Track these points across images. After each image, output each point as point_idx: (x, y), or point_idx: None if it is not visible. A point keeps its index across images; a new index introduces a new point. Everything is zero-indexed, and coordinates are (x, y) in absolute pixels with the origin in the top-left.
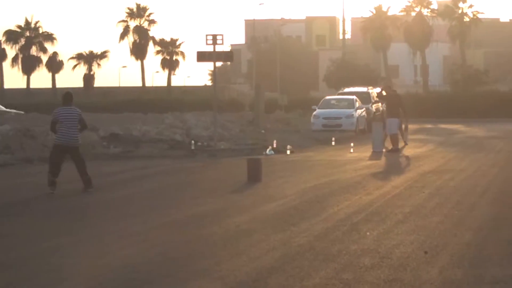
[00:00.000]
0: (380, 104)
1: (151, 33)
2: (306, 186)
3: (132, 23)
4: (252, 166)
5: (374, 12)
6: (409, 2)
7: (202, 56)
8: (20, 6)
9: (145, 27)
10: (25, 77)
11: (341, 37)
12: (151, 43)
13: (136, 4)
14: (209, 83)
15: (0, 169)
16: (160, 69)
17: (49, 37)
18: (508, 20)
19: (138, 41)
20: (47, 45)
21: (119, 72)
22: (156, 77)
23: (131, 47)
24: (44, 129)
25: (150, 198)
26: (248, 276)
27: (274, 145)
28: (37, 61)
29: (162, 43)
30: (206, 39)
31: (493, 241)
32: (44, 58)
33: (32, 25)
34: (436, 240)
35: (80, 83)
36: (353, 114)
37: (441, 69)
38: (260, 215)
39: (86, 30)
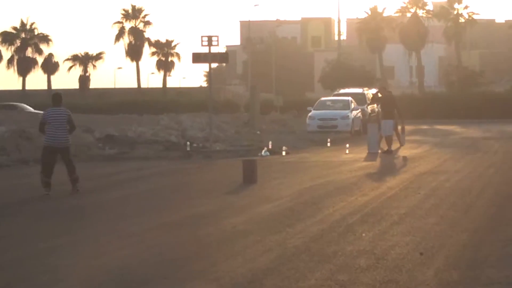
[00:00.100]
0: (375, 105)
1: (146, 35)
2: (302, 187)
3: (128, 25)
4: (247, 167)
5: (370, 13)
6: (404, 3)
7: (198, 57)
8: (15, 7)
9: (140, 29)
10: (21, 78)
11: (336, 38)
12: (146, 44)
13: (132, 5)
14: (205, 84)
15: None
16: (156, 70)
17: (45, 39)
18: (504, 21)
19: (133, 42)
20: (43, 46)
21: (114, 73)
22: (152, 78)
23: (126, 48)
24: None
25: (146, 199)
26: (243, 277)
27: (270, 146)
28: (32, 62)
29: (157, 44)
30: (202, 41)
31: (489, 243)
32: (40, 59)
33: (28, 27)
34: (432, 241)
35: (75, 85)
36: (348, 115)
37: (436, 70)
38: (256, 216)
39: (82, 32)
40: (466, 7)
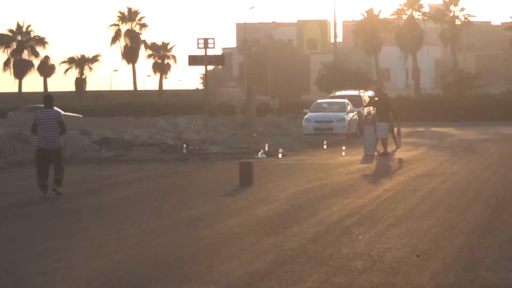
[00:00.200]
0: (371, 107)
1: (142, 37)
2: (298, 190)
3: (124, 27)
4: (244, 170)
5: (366, 15)
6: (400, 5)
7: (194, 60)
8: (11, 10)
9: (136, 31)
10: (17, 81)
11: (332, 40)
12: (142, 46)
13: (128, 8)
14: (201, 86)
15: None
16: (152, 72)
17: (41, 41)
18: (500, 23)
19: (129, 45)
20: (39, 49)
21: (110, 75)
22: (148, 81)
23: (122, 51)
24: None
25: (142, 202)
26: (240, 280)
27: (266, 149)
28: (29, 65)
29: (153, 46)
30: (198, 43)
31: (485, 245)
32: (36, 62)
33: (24, 29)
34: (428, 244)
35: (72, 87)
36: (344, 118)
37: (432, 72)
38: (252, 218)
39: (78, 34)
40: (462, 9)
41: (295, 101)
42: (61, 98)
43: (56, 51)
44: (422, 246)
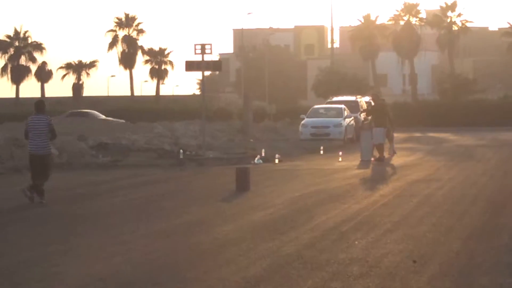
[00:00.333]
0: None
1: (139, 43)
2: (295, 195)
3: (121, 33)
4: (240, 175)
5: (363, 21)
6: (397, 11)
7: (191, 66)
8: (9, 16)
9: (133, 37)
10: (14, 86)
11: (329, 46)
12: (139, 52)
13: (125, 13)
14: (198, 92)
15: None
16: (149, 78)
17: (38, 47)
18: (497, 29)
19: (126, 50)
20: (36, 54)
21: (108, 81)
22: (145, 86)
23: (119, 56)
24: None
25: (139, 207)
26: (236, 285)
27: (263, 154)
28: (26, 70)
29: (150, 52)
30: (195, 49)
31: (482, 250)
32: (33, 67)
33: (21, 35)
34: (425, 249)
35: (69, 93)
36: (341, 123)
37: (429, 78)
38: (249, 224)
39: (75, 40)
40: (459, 15)
41: (292, 106)
42: (59, 103)
43: (53, 57)
44: (418, 252)
